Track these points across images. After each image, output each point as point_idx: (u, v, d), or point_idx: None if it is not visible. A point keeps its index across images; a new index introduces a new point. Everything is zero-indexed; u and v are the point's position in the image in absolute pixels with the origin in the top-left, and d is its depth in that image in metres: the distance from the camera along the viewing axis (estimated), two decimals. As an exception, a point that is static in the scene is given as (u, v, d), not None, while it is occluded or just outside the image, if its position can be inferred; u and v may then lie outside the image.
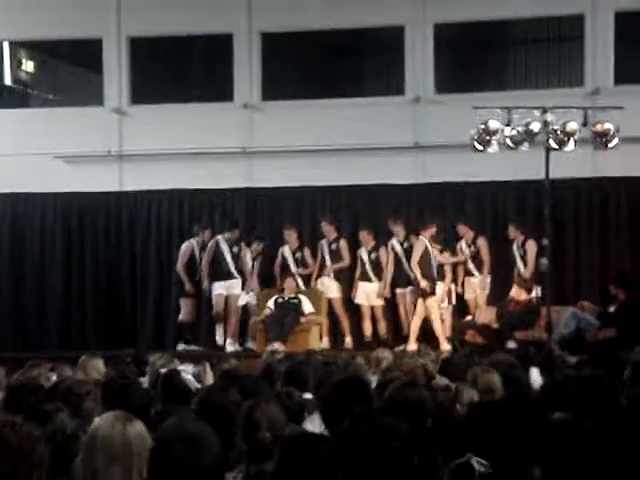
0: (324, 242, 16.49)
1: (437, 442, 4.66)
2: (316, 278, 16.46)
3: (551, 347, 10.34)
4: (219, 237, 16.30)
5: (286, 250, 16.63)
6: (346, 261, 16.32)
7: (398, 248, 16.06)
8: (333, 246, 16.40)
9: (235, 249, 16.16)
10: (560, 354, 9.14)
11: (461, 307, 16.07)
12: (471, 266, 15.95)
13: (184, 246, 16.68)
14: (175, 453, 3.30)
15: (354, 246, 16.43)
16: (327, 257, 16.39)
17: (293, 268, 16.48)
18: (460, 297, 16.06)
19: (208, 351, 15.66)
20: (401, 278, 16.01)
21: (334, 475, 3.37)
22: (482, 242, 15.89)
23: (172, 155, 17.40)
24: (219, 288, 16.13)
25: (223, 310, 16.13)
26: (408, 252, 15.77)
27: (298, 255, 16.59)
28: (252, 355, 14.51)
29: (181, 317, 16.75)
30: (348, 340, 16.29)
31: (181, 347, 16.30)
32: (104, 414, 4.13)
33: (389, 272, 16.02)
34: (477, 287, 15.87)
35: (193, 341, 16.59)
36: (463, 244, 16.06)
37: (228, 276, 16.08)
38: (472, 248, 15.93)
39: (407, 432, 3.42)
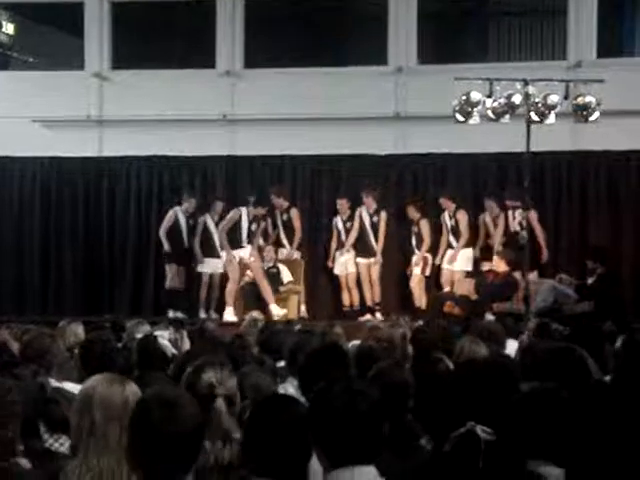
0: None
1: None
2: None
3: (547, 320, 10.37)
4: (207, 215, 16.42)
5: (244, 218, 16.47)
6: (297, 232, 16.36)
7: (366, 219, 16.07)
8: (284, 216, 16.40)
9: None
10: (556, 326, 9.16)
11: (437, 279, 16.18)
12: (452, 239, 16.00)
13: (169, 213, 16.64)
14: (153, 418, 3.32)
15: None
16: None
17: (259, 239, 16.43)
18: (439, 269, 16.13)
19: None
20: (365, 249, 16.03)
21: (304, 436, 3.40)
22: (462, 216, 15.94)
23: (153, 121, 17.30)
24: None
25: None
26: (375, 225, 15.91)
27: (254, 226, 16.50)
28: (231, 323, 14.50)
29: (169, 283, 16.70)
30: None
31: (172, 314, 16.25)
32: (96, 375, 4.11)
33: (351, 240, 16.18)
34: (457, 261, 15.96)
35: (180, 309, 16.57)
36: (446, 216, 16.09)
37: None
38: (452, 221, 15.99)
39: (377, 397, 3.44)
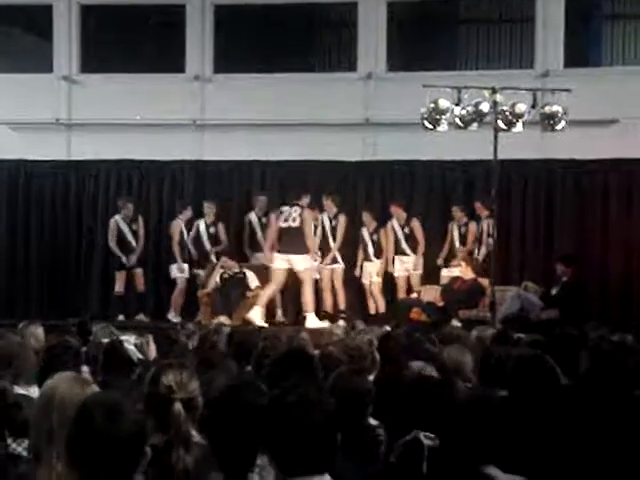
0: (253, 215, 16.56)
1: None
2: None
3: (506, 327, 10.43)
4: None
5: (202, 224, 16.58)
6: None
7: (327, 224, 16.10)
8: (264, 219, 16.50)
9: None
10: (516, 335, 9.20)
11: (390, 285, 16.21)
12: (404, 245, 16.03)
13: (110, 222, 16.75)
14: (93, 421, 3.33)
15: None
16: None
17: (207, 244, 16.49)
18: (390, 275, 16.19)
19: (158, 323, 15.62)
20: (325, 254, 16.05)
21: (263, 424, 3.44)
22: (416, 224, 16.03)
23: (121, 125, 17.27)
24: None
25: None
26: (334, 230, 15.92)
27: (212, 230, 16.56)
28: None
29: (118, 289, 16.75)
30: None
31: (140, 316, 16.40)
32: (58, 375, 4.10)
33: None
34: (410, 267, 16.01)
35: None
36: (395, 224, 16.11)
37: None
38: (405, 229, 16.02)
39: (332, 408, 3.46)
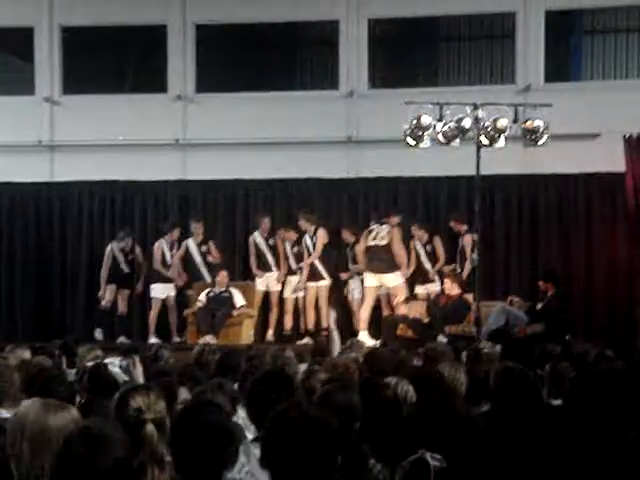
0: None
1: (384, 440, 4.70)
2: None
3: (477, 345, 10.45)
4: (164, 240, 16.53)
5: (191, 243, 16.57)
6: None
7: (309, 243, 16.10)
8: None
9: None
10: (487, 350, 9.23)
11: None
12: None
13: (106, 250, 16.72)
14: (75, 452, 3.31)
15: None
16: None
17: (199, 260, 16.47)
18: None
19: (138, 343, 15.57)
20: (312, 272, 16.05)
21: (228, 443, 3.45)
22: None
23: (104, 146, 17.26)
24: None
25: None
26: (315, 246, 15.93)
27: (204, 248, 16.56)
28: (184, 348, 14.43)
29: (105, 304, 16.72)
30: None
31: (98, 334, 16.35)
32: (30, 400, 4.08)
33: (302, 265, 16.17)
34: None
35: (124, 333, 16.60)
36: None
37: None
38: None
39: (335, 425, 3.44)
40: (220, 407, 4.24)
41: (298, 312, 16.33)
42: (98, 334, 16.29)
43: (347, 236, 16.22)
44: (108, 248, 16.72)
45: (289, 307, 16.33)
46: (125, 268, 16.71)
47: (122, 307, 16.84)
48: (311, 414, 3.44)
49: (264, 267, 16.37)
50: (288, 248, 16.30)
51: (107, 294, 16.64)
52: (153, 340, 15.79)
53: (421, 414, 4.25)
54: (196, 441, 3.91)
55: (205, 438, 3.89)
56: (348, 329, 16.06)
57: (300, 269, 16.11)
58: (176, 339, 16.14)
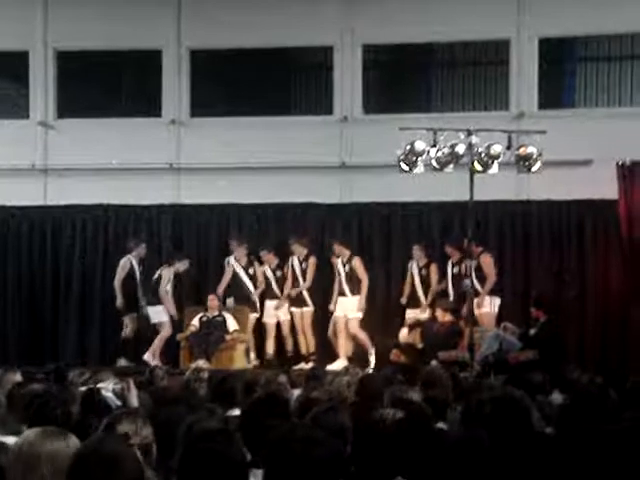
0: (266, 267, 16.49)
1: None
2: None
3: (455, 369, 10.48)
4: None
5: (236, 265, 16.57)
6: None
7: (297, 268, 16.08)
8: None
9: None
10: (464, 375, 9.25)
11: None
12: (345, 286, 15.89)
13: (122, 261, 16.58)
14: (90, 473, 3.29)
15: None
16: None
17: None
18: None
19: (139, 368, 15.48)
20: (297, 297, 16.08)
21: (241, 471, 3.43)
22: (357, 263, 15.87)
23: (98, 170, 17.26)
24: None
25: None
26: (304, 272, 16.00)
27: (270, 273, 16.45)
28: (176, 373, 14.38)
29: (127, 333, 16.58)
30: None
31: (122, 362, 16.16)
32: (31, 431, 4.08)
33: (286, 289, 16.16)
34: (350, 308, 15.83)
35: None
36: (338, 263, 16.02)
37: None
38: (346, 268, 15.92)
39: (338, 448, 3.44)
40: (231, 435, 4.16)
41: (281, 337, 16.29)
42: (123, 362, 16.12)
43: (342, 251, 16.06)
44: (123, 259, 16.60)
45: (271, 332, 16.28)
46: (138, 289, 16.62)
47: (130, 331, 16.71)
48: (314, 436, 3.43)
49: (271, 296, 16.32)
50: (269, 272, 16.29)
51: (129, 323, 16.54)
52: (122, 362, 15.89)
53: (399, 439, 4.26)
54: (206, 470, 3.83)
55: (215, 467, 3.81)
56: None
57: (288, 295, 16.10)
58: (149, 358, 15.95)
